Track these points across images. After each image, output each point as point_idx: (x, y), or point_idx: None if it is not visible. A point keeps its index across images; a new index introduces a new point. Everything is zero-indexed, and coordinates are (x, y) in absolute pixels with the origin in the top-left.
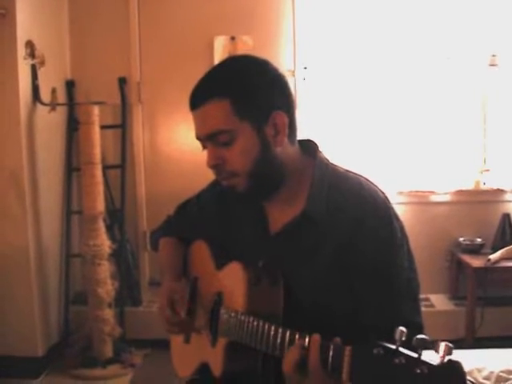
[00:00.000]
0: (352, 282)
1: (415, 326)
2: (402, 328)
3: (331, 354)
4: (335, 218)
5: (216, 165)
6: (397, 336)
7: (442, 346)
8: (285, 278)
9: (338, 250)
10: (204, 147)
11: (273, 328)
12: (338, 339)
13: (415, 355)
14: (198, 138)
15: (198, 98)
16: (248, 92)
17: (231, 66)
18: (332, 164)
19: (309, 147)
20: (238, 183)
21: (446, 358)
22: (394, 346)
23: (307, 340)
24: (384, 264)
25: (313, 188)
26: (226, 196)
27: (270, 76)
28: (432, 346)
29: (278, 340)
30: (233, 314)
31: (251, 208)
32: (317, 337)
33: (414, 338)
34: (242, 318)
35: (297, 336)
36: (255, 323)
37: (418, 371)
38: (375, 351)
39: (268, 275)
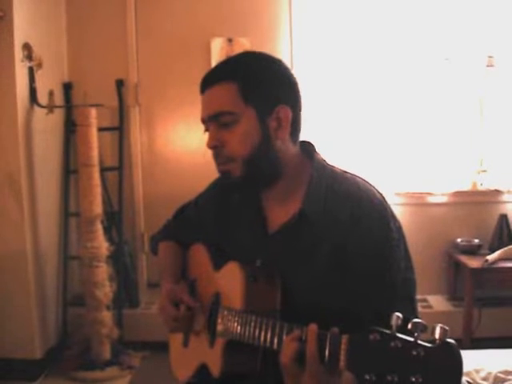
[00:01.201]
0: (348, 282)
1: None
2: (398, 314)
3: (328, 343)
4: (332, 218)
5: (215, 146)
6: (393, 321)
7: (438, 328)
8: (282, 277)
9: (334, 249)
10: (206, 130)
11: (270, 322)
12: (335, 329)
13: (411, 339)
14: (202, 120)
15: (208, 81)
16: (257, 80)
17: (245, 57)
18: (329, 165)
19: (306, 148)
20: (233, 169)
21: (442, 340)
22: (389, 331)
23: (305, 331)
24: (380, 264)
25: (310, 188)
26: (224, 197)
27: (281, 72)
28: (427, 329)
29: (277, 333)
30: (230, 313)
31: (250, 208)
32: (314, 327)
33: (410, 323)
34: (240, 316)
35: (295, 327)
36: (253, 319)
37: (415, 353)
38: (371, 337)
39: (265, 274)
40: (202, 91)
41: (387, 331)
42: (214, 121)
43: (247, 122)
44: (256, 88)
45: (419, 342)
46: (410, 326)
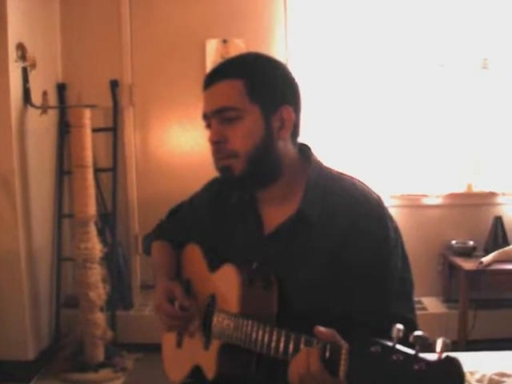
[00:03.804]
0: (346, 283)
1: (409, 323)
2: (399, 325)
3: (328, 353)
4: (329, 219)
5: (217, 141)
6: (394, 333)
7: (440, 342)
8: (278, 279)
9: (332, 251)
10: (208, 126)
11: (267, 327)
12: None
13: (412, 352)
14: (204, 115)
15: (214, 77)
16: (263, 79)
17: (251, 56)
18: (326, 167)
19: (303, 150)
20: (235, 165)
21: (444, 355)
22: (391, 344)
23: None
24: (378, 264)
25: (308, 190)
26: (220, 197)
27: (285, 73)
28: (428, 342)
29: (273, 339)
30: (226, 316)
31: (246, 209)
32: (315, 351)
33: (411, 335)
34: (236, 319)
35: (292, 334)
36: (249, 323)
37: (416, 368)
38: (372, 349)
39: (261, 277)
40: (206, 87)
41: (388, 343)
42: (217, 116)
43: (251, 120)
44: (262, 87)
45: (420, 355)
46: (411, 338)
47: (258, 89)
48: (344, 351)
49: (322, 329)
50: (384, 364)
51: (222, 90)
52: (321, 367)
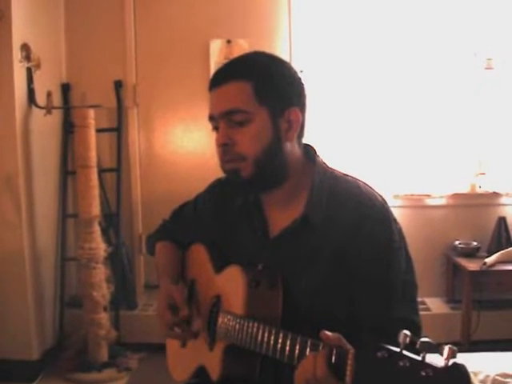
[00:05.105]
0: (350, 285)
1: (413, 325)
2: (406, 331)
3: (334, 358)
4: (334, 222)
5: (225, 144)
6: (400, 339)
7: (446, 349)
8: (284, 281)
9: (336, 253)
10: (215, 128)
11: (273, 330)
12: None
13: (419, 358)
14: (211, 117)
15: (221, 78)
16: (271, 81)
17: (258, 56)
18: (330, 168)
19: (307, 151)
20: (243, 168)
21: (451, 361)
22: (397, 349)
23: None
24: (382, 266)
25: (312, 192)
26: (225, 199)
27: (292, 74)
28: (435, 349)
29: (279, 341)
30: (231, 318)
31: (251, 212)
32: (322, 355)
33: (418, 341)
34: (241, 321)
35: (299, 337)
36: (255, 325)
37: (423, 374)
38: (379, 354)
39: (267, 279)
40: (213, 87)
41: (395, 349)
42: (225, 118)
43: (260, 122)
44: (270, 89)
45: (427, 361)
46: (418, 345)
47: (266, 91)
48: (350, 356)
49: (327, 333)
50: (391, 370)
51: (230, 91)
52: (327, 372)
